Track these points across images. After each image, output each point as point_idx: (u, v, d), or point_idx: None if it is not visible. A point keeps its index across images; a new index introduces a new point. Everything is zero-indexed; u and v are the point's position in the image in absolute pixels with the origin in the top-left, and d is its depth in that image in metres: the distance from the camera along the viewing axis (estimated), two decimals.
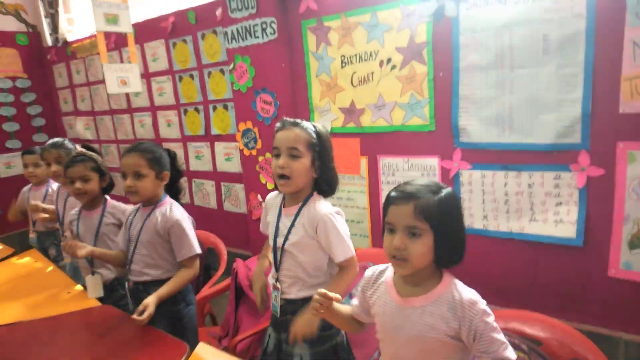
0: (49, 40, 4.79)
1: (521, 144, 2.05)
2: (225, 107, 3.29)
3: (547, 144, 1.98)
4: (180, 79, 3.56)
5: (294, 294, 1.38)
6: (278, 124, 1.41)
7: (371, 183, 2.60)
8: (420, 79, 2.29)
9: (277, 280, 1.39)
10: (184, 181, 1.93)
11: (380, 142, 2.51)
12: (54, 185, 2.67)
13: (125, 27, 2.41)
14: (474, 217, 2.25)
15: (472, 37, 2.09)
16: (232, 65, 2.98)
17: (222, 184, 3.52)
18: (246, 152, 3.07)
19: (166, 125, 3.82)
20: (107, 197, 2.05)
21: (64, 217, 2.27)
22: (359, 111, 2.55)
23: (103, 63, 2.49)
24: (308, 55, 2.70)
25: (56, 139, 2.40)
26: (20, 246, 2.68)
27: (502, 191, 2.14)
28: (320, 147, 1.37)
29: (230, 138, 3.32)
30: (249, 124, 3.00)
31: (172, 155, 1.82)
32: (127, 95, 4.07)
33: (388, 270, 1.13)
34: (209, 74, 3.33)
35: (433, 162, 2.33)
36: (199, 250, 1.70)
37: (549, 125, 1.96)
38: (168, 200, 1.76)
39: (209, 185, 3.62)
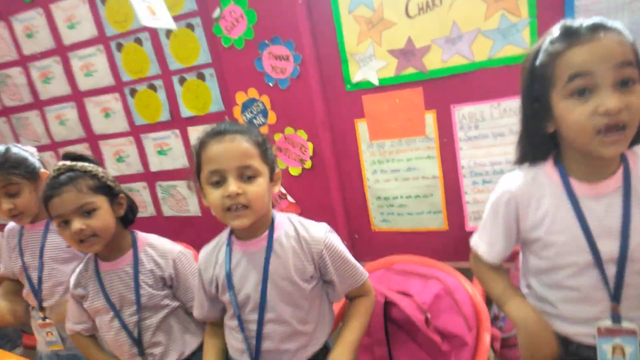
0: None
1: None
2: (201, 77, 2.41)
3: None
4: (120, 47, 2.55)
5: None
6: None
7: (443, 144, 2.02)
8: None
9: (618, 319, 0.74)
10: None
11: (454, 88, 1.92)
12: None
13: None
14: None
15: None
16: (216, 13, 2.12)
17: None
18: None
19: (103, 117, 2.77)
20: (136, 232, 1.17)
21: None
22: (421, 50, 1.93)
23: None
24: None
25: None
26: None
27: None
28: None
29: (214, 118, 2.46)
30: (253, 93, 2.19)
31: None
32: (29, 81, 2.89)
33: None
34: (169, 32, 2.41)
35: None
36: None
37: None
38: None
39: (184, 188, 2.71)
